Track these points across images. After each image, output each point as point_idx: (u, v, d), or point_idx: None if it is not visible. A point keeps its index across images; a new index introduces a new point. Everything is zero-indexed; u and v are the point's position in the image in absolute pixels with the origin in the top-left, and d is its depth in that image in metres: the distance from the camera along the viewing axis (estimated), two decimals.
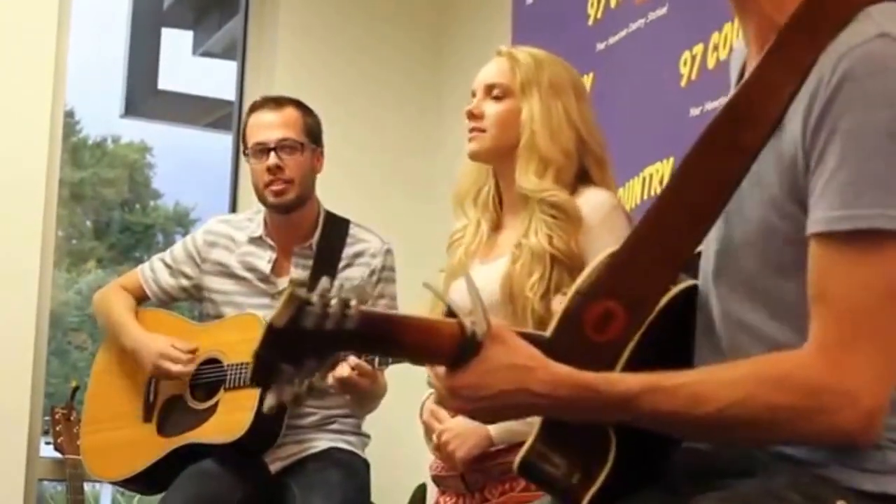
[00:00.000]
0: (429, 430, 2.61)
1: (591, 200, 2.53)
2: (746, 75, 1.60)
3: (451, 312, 1.48)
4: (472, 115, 2.61)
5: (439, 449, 2.55)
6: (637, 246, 1.60)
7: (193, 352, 3.24)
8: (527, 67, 2.59)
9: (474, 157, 2.63)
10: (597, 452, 1.58)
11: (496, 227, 2.65)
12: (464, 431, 2.50)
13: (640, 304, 1.57)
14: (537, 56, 2.63)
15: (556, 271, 2.46)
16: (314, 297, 1.35)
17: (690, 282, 1.65)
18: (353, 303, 1.37)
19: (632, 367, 1.54)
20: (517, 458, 1.67)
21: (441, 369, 1.50)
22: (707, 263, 1.62)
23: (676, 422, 1.48)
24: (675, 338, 1.62)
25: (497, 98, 2.60)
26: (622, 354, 1.56)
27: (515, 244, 2.51)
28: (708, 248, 1.63)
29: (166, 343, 3.23)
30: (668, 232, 1.59)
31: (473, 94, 2.65)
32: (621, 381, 1.49)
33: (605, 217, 2.51)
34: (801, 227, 1.47)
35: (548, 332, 1.60)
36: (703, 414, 1.45)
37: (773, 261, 1.51)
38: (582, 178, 2.58)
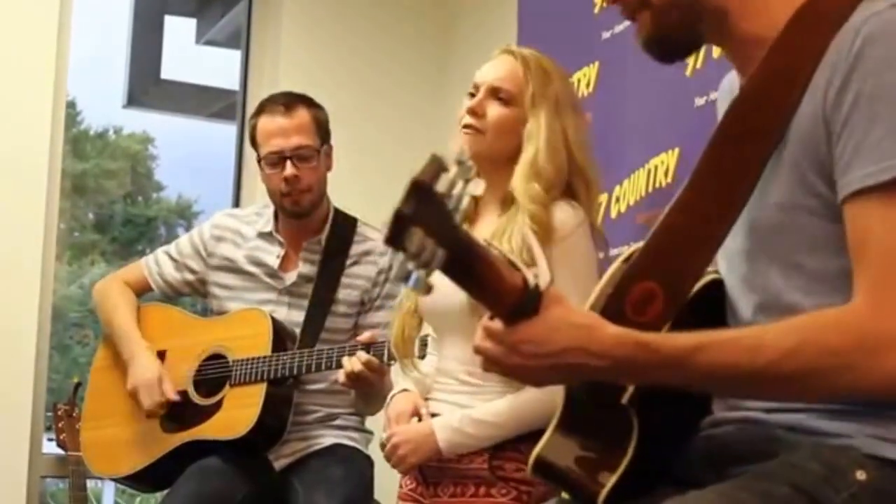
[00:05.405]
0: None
1: (558, 216, 2.52)
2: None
3: (513, 265, 1.49)
4: (473, 113, 2.57)
5: (389, 450, 2.60)
6: (672, 229, 1.62)
7: (170, 400, 3.17)
8: (538, 78, 2.57)
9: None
10: (614, 448, 1.58)
11: (470, 219, 2.62)
12: (416, 438, 2.56)
13: (679, 286, 1.60)
14: (546, 66, 2.61)
15: None
16: (453, 167, 1.39)
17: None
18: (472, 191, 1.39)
19: None
20: (532, 455, 1.67)
21: (497, 326, 1.50)
22: (736, 248, 1.64)
23: (733, 376, 1.48)
24: (707, 326, 1.61)
25: (502, 101, 2.57)
26: None
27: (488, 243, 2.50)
28: (735, 235, 1.63)
29: (155, 376, 3.18)
30: (699, 217, 1.61)
31: (476, 88, 2.61)
32: (677, 338, 1.50)
33: (566, 236, 2.50)
34: (826, 201, 1.49)
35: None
36: (760, 364, 1.45)
37: (803, 238, 1.53)
38: (566, 193, 2.57)
